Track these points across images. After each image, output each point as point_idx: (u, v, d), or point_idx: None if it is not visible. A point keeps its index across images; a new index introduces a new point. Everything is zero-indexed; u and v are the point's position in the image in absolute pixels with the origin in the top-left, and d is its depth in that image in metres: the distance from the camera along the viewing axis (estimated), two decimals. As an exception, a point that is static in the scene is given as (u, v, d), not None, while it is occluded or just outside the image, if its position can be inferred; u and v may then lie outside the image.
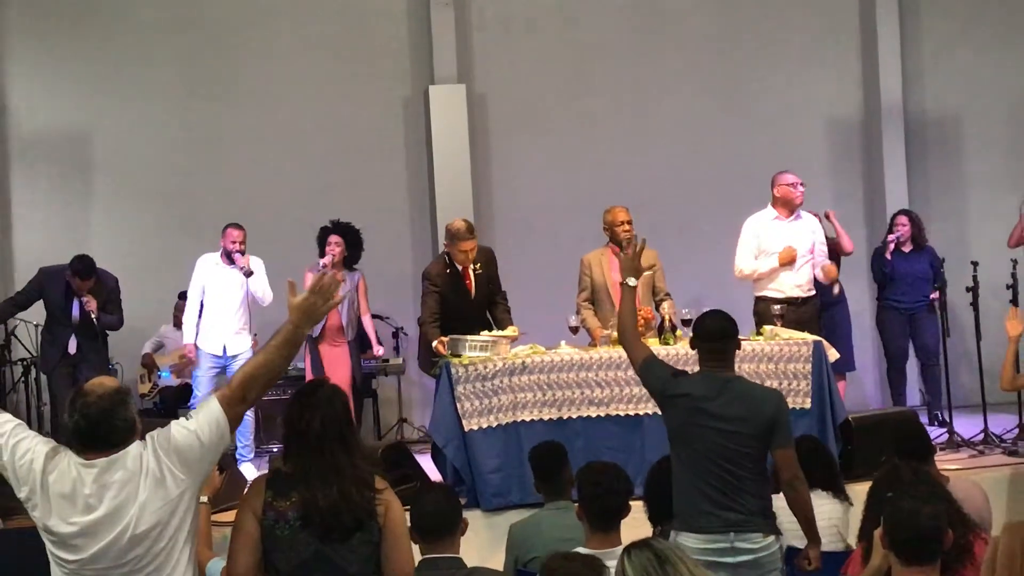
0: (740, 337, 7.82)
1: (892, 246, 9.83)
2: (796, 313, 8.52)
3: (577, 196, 11.09)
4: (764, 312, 8.44)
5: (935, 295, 9.57)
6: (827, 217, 9.72)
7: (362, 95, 11.34)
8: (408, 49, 11.42)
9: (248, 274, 8.98)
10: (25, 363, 9.76)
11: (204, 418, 3.65)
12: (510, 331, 8.01)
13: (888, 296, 9.96)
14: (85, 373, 9.05)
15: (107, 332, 9.35)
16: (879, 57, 11.57)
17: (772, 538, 4.95)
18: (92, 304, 9.12)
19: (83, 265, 9.13)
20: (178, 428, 3.64)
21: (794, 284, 8.73)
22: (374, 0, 11.44)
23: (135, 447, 3.61)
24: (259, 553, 3.84)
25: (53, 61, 11.08)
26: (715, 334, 5.14)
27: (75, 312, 9.18)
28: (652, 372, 5.19)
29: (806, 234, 8.85)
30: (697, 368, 5.20)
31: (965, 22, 11.70)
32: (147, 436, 3.65)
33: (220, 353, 9.03)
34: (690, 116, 11.58)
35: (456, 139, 11.06)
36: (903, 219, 10.01)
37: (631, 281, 5.36)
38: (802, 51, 11.69)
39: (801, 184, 8.83)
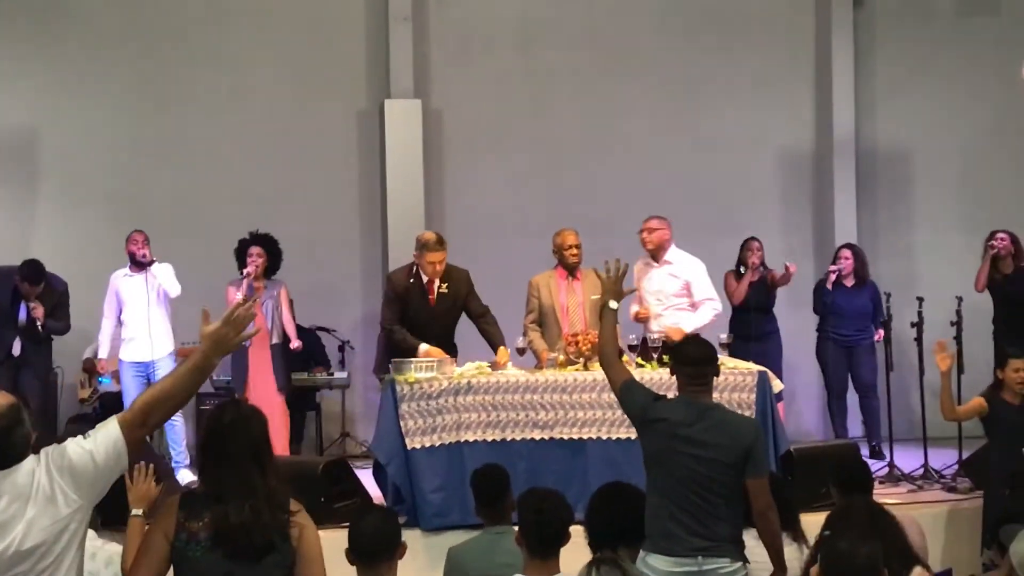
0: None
1: (833, 277, 9.89)
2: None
3: (529, 217, 11.09)
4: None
5: (879, 335, 9.63)
6: (786, 269, 9.85)
7: (317, 106, 11.28)
8: (365, 62, 11.38)
9: (150, 263, 9.14)
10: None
11: (102, 439, 3.55)
12: (501, 354, 8.03)
13: (827, 327, 10.03)
14: (27, 376, 9.08)
15: (52, 336, 9.31)
16: (833, 91, 11.63)
17: (740, 564, 4.98)
18: (39, 311, 9.15)
19: (32, 270, 9.12)
20: (74, 447, 3.54)
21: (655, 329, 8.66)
22: (333, 12, 11.37)
23: (28, 462, 3.51)
24: (161, 572, 3.78)
25: (3, 61, 10.93)
26: (696, 360, 5.16)
27: (21, 316, 9.19)
28: (632, 395, 5.21)
29: (672, 279, 8.74)
30: (674, 393, 5.23)
31: (919, 60, 11.80)
32: (42, 451, 3.55)
33: (142, 359, 9.19)
34: (645, 141, 11.61)
35: (410, 154, 11.02)
36: (846, 252, 10.10)
37: (612, 304, 5.37)
38: (757, 81, 11.75)
39: (648, 230, 8.78)
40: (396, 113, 11.03)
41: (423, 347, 7.91)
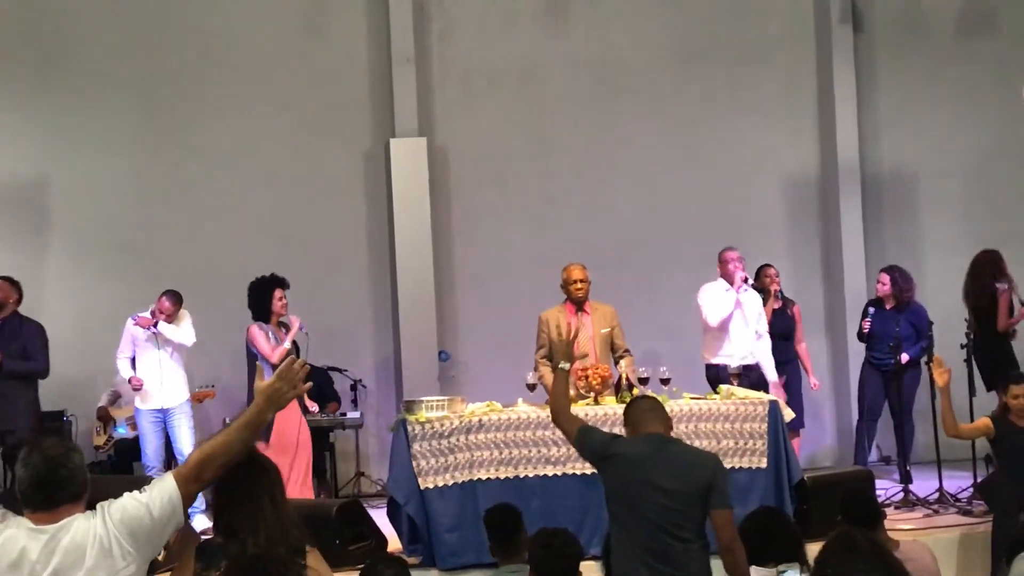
0: (695, 396, 7.94)
1: (867, 327, 9.88)
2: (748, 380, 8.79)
3: (536, 251, 11.13)
4: (715, 378, 8.57)
5: (904, 358, 9.53)
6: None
7: (324, 148, 11.36)
8: (370, 103, 11.46)
9: (153, 325, 9.19)
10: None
11: (157, 493, 3.62)
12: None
13: (868, 352, 10.02)
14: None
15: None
16: (836, 115, 11.66)
17: None
18: None
19: None
20: (130, 499, 3.61)
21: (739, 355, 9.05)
22: (336, 55, 11.46)
23: (84, 516, 3.58)
24: None
25: (9, 110, 11.01)
26: (647, 402, 5.30)
27: None
28: (588, 438, 5.24)
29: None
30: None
31: (922, 81, 11.83)
32: (98, 505, 3.61)
33: (157, 407, 9.25)
34: (650, 172, 11.65)
35: (416, 192, 11.08)
36: (883, 277, 9.99)
37: (564, 365, 5.46)
38: (760, 108, 11.79)
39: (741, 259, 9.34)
40: (401, 152, 11.10)
41: None
